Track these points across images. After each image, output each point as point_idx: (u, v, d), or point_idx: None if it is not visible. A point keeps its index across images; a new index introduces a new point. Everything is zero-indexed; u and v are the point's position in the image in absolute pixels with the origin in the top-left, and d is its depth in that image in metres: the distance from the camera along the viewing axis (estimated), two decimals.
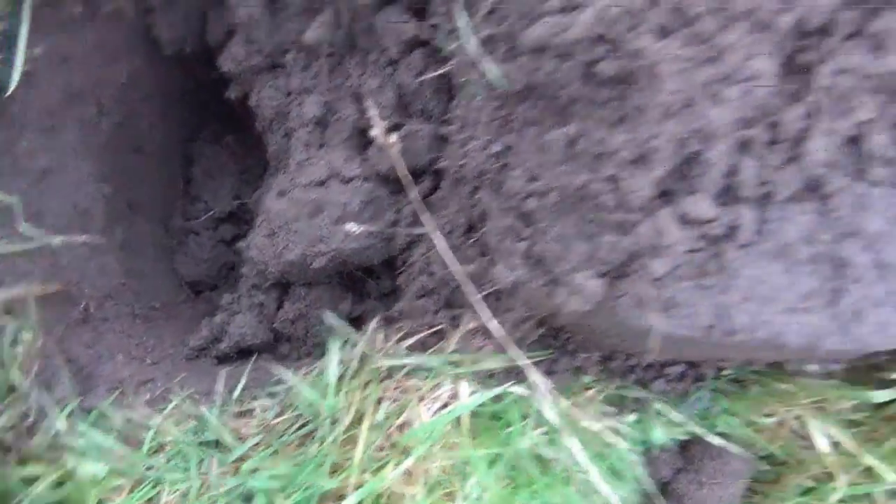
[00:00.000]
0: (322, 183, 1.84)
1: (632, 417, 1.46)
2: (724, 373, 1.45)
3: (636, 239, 1.05)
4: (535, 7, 1.10)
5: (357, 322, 1.84)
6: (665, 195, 1.07)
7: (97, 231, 2.07)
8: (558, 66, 1.09)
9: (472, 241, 1.50)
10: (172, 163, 2.55)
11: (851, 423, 1.42)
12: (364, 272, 1.99)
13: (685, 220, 1.04)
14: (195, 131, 2.68)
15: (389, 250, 1.85)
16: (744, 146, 1.02)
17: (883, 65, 0.91)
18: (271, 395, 1.71)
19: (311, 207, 1.81)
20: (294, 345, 2.02)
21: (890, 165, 1.00)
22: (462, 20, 1.40)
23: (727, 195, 1.05)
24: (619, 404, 1.47)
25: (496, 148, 1.30)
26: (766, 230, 1.04)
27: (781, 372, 1.46)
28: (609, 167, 1.05)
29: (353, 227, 1.64)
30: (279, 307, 2.03)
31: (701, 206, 1.03)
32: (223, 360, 2.01)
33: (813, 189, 1.02)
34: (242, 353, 2.01)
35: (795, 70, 0.98)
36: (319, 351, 1.98)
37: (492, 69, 1.28)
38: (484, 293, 1.47)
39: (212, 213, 2.50)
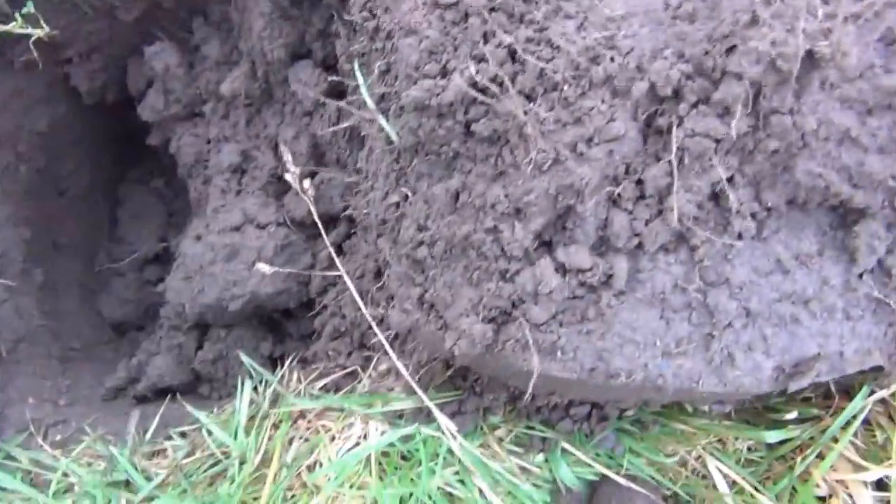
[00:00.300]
0: (237, 228, 1.89)
1: (540, 457, 1.50)
2: (627, 413, 1.51)
3: (517, 286, 1.11)
4: (414, 71, 1.16)
5: (278, 362, 1.87)
6: (545, 245, 1.13)
7: (14, 274, 2.08)
8: (438, 125, 1.16)
9: (380, 286, 1.55)
10: (98, 205, 2.57)
11: (749, 462, 1.48)
12: (283, 314, 2.03)
13: (564, 269, 1.11)
14: (122, 174, 2.70)
15: (305, 294, 1.90)
16: (614, 201, 1.09)
17: (730, 129, 0.98)
18: (183, 435, 1.74)
19: (226, 252, 1.85)
20: (214, 385, 2.04)
21: (752, 219, 1.08)
22: (359, 78, 1.46)
23: (602, 246, 1.11)
24: (527, 444, 1.52)
25: (394, 198, 1.35)
26: (640, 279, 1.10)
27: (681, 412, 1.52)
28: (490, 219, 1.11)
29: (265, 266, 1.68)
30: (199, 348, 2.05)
31: (578, 255, 1.09)
32: (141, 400, 2.02)
33: (681, 241, 1.09)
34: (161, 394, 2.02)
35: (655, 132, 1.05)
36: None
37: (386, 125, 1.34)
38: (392, 335, 1.52)
39: (137, 254, 2.52)
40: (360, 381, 1.64)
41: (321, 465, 1.50)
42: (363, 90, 1.44)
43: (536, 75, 1.08)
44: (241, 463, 1.52)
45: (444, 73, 1.15)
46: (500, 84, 1.09)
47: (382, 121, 1.35)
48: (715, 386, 1.12)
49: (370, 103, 1.39)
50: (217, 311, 1.89)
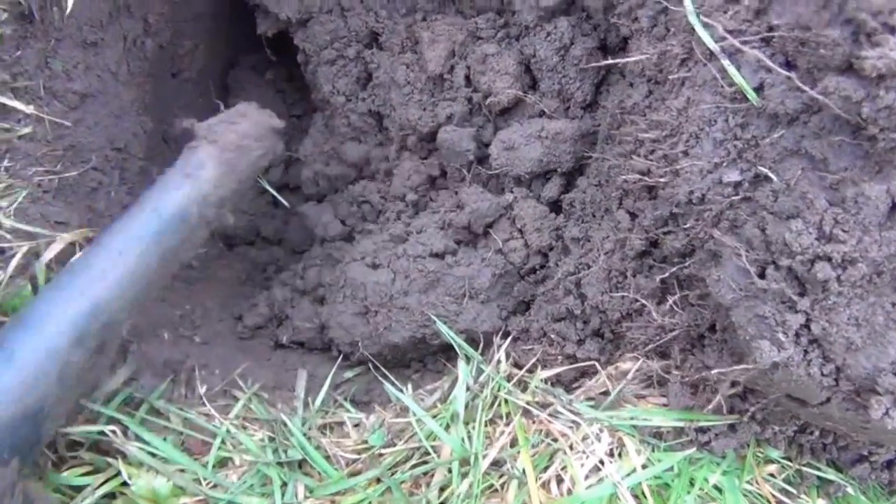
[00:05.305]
0: (438, 255, 1.56)
1: (822, 503, 1.24)
2: None
3: None
4: (865, 18, 0.83)
5: None
6: None
7: (134, 173, 1.75)
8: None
9: (651, 269, 1.25)
10: (209, 92, 2.21)
11: None
12: None
13: None
14: (234, 59, 2.34)
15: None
16: None
17: None
18: (356, 403, 1.45)
19: (425, 281, 1.51)
20: None
21: None
22: (688, 5, 1.13)
23: None
24: (802, 483, 1.25)
25: (732, 177, 1.04)
26: None
27: None
28: None
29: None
30: None
31: None
32: (281, 344, 1.71)
33: None
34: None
35: None
36: None
37: (739, 78, 1.02)
38: (669, 336, 1.24)
39: None
40: (593, 380, 1.34)
41: (561, 482, 1.22)
42: (693, 20, 1.10)
43: None
44: (462, 466, 1.23)
45: None
46: None
47: (733, 71, 1.03)
48: None
49: (710, 43, 1.06)
50: (405, 350, 1.55)
